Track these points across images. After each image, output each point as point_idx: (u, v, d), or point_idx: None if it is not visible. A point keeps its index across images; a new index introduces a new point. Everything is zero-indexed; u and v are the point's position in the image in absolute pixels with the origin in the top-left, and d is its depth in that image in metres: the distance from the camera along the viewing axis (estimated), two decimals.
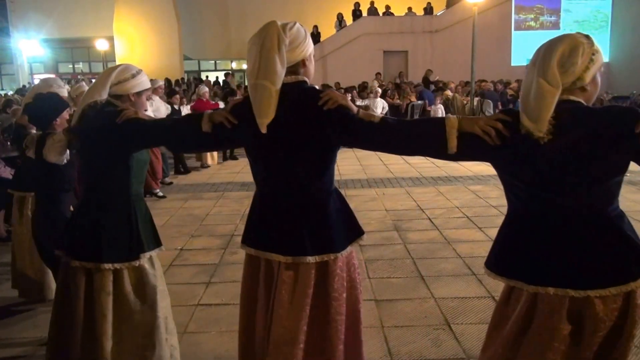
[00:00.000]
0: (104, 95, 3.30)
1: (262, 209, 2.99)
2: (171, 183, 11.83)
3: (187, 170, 13.14)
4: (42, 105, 4.44)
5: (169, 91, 14.92)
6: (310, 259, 2.85)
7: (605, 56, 23.67)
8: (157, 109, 11.21)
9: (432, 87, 21.78)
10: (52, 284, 5.18)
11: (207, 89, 14.90)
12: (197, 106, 13.43)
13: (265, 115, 2.70)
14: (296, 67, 2.85)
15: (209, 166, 13.87)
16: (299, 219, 2.88)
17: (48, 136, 4.07)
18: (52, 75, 33.14)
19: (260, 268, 3.02)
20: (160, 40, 33.52)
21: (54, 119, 4.41)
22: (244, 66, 39.19)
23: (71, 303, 3.31)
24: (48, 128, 4.36)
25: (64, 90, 5.31)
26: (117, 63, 28.20)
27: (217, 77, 32.15)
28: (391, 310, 5.18)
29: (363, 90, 20.09)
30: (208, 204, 9.79)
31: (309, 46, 2.89)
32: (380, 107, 18.05)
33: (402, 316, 5.03)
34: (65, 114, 4.53)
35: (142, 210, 3.44)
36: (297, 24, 2.84)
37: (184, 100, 14.54)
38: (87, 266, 3.28)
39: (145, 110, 3.63)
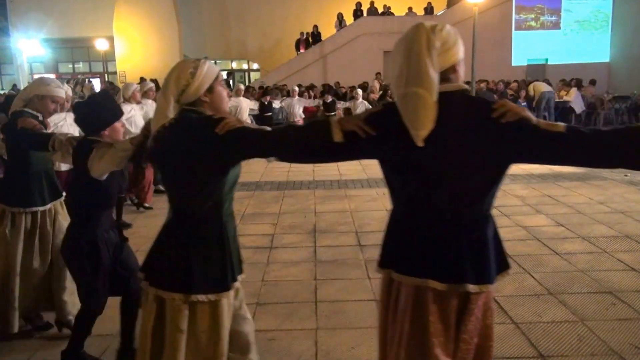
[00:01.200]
0: (172, 114, 2.86)
1: (410, 230, 2.62)
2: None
3: None
4: (97, 107, 3.93)
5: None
6: (472, 288, 2.51)
7: (605, 56, 23.58)
8: (146, 113, 9.74)
9: None
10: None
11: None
12: None
13: (423, 127, 2.38)
14: (447, 74, 2.54)
15: None
16: (458, 243, 2.54)
17: (95, 144, 3.67)
18: (52, 76, 33.21)
19: (399, 294, 2.66)
20: (160, 40, 33.55)
21: (108, 125, 3.89)
22: (244, 66, 39.33)
23: (144, 334, 3.01)
24: (96, 135, 3.85)
25: (62, 91, 4.85)
26: (117, 63, 28.05)
27: None
28: None
29: (363, 90, 20.04)
30: None
31: (461, 49, 2.61)
32: (361, 110, 17.46)
33: None
34: (118, 124, 4.02)
35: (232, 232, 3.05)
36: (447, 26, 2.56)
37: None
38: (163, 296, 2.89)
39: (229, 100, 3.24)
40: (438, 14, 29.32)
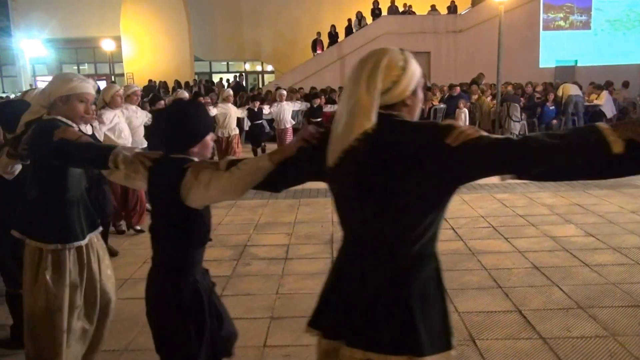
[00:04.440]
0: (375, 117, 2.27)
1: None
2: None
3: None
4: (186, 117, 3.03)
5: (152, 97, 13.22)
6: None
7: (637, 57, 23.24)
8: (128, 119, 8.78)
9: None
10: None
11: (187, 94, 13.72)
12: None
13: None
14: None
15: None
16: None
17: (188, 164, 2.89)
18: None
19: None
20: (169, 40, 33.77)
21: (200, 139, 3.08)
22: (258, 67, 39.43)
23: None
24: (183, 152, 3.04)
25: (89, 85, 3.91)
26: (124, 64, 28.04)
27: (226, 80, 32.20)
28: None
29: None
30: (220, 212, 9.77)
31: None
32: None
33: None
34: (209, 137, 3.16)
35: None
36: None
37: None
38: (375, 358, 2.32)
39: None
40: (462, 13, 29.30)
